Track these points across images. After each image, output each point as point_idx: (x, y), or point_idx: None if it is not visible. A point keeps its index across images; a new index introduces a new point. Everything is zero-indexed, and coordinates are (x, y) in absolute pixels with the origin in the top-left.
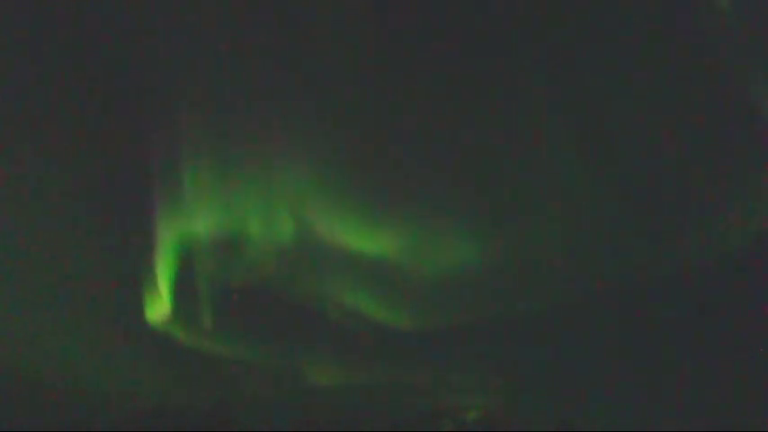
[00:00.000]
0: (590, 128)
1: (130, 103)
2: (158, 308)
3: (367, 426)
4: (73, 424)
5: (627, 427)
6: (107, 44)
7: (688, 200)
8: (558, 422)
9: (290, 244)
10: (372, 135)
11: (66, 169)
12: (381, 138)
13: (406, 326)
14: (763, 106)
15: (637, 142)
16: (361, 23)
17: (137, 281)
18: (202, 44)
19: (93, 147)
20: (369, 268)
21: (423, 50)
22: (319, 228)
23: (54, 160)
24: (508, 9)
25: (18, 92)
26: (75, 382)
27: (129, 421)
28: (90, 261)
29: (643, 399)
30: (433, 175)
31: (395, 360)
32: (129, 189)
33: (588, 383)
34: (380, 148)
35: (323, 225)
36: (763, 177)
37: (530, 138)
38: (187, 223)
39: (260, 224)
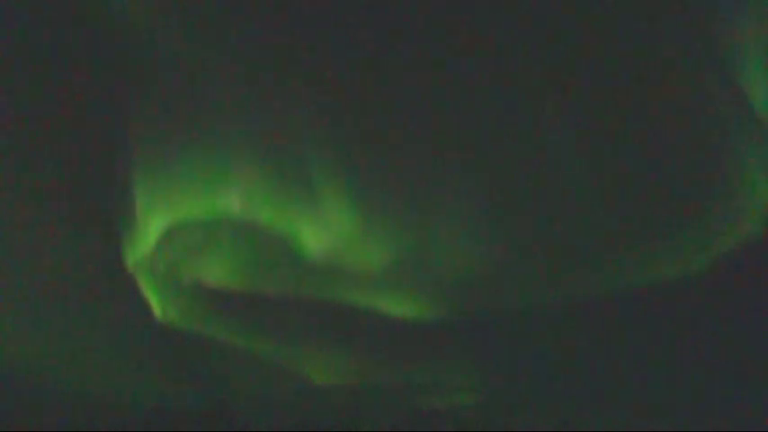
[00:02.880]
0: (592, 128)
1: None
2: (157, 306)
3: (367, 426)
4: (73, 424)
5: (627, 427)
6: (85, 41)
7: (685, 201)
8: (558, 422)
9: (293, 243)
10: (377, 135)
11: (52, 168)
12: (385, 137)
13: (405, 325)
14: (759, 106)
15: (635, 142)
16: (356, 22)
17: (133, 279)
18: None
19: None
20: (369, 268)
21: (418, 51)
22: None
23: (39, 158)
24: (508, 10)
25: None
26: (74, 382)
27: (129, 421)
28: (84, 260)
29: (644, 399)
30: (431, 175)
31: (395, 360)
32: (112, 182)
33: (589, 383)
34: (383, 147)
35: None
36: (756, 177)
37: (535, 138)
38: (178, 218)
39: (268, 214)
